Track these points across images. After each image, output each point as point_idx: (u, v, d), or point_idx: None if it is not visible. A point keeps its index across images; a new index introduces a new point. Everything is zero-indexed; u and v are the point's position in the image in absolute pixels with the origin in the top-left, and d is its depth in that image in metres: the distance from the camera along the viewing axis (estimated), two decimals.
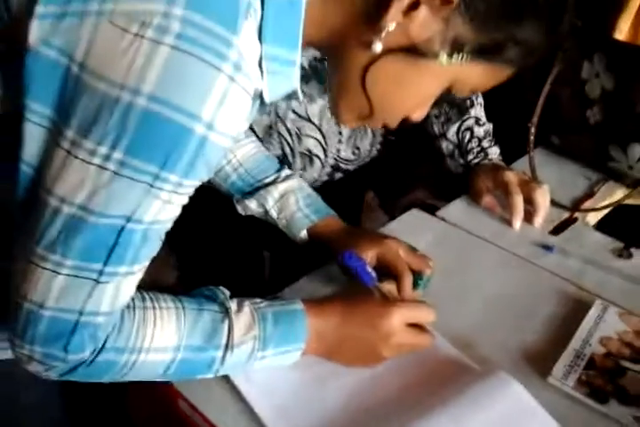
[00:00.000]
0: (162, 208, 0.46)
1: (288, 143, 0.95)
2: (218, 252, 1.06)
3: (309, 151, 0.97)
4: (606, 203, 0.99)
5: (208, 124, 0.43)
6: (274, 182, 0.82)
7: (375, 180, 1.27)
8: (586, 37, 1.00)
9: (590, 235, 0.93)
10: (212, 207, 0.89)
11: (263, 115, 0.92)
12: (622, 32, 1.18)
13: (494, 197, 0.95)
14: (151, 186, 0.44)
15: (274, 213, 0.82)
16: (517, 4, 0.49)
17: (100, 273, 0.47)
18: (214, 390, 0.63)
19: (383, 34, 0.49)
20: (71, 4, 0.40)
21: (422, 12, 0.48)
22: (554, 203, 0.97)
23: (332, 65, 0.57)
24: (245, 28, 0.43)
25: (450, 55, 0.50)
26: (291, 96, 0.54)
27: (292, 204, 0.81)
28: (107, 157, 0.43)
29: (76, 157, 0.43)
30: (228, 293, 0.61)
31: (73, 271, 0.46)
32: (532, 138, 1.01)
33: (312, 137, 0.96)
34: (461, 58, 0.51)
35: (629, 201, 1.05)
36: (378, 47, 0.50)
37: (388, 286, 0.72)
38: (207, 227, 1.01)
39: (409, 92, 0.56)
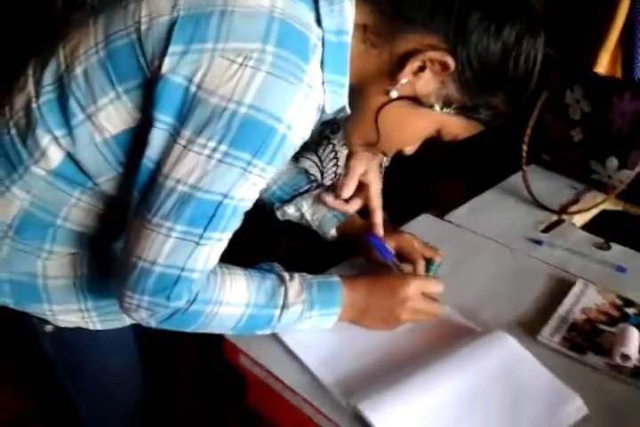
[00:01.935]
0: (249, 189, 0.64)
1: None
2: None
3: (306, 171, 1.11)
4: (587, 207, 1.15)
5: (288, 125, 0.61)
6: (308, 191, 1.00)
7: (388, 199, 1.43)
8: (567, 70, 1.19)
9: (575, 233, 1.09)
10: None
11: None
12: (602, 66, 1.37)
13: None
14: (244, 170, 0.62)
15: (308, 216, 0.99)
16: (493, 80, 0.68)
17: (200, 237, 0.64)
18: (268, 347, 0.79)
19: (398, 85, 0.68)
20: (192, 44, 0.59)
21: (427, 74, 0.67)
22: (545, 208, 1.14)
23: (353, 101, 0.73)
24: (313, 59, 0.62)
25: (441, 108, 0.70)
26: (340, 111, 0.72)
27: (323, 207, 0.98)
28: (214, 149, 0.60)
29: (190, 150, 0.60)
30: (281, 267, 0.78)
31: (181, 235, 0.63)
32: (524, 155, 1.19)
33: (309, 159, 1.13)
34: (449, 112, 0.70)
35: (611, 207, 1.22)
36: (393, 94, 0.69)
37: (407, 268, 0.89)
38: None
39: (407, 130, 0.74)
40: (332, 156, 1.13)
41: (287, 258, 1.38)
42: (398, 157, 1.37)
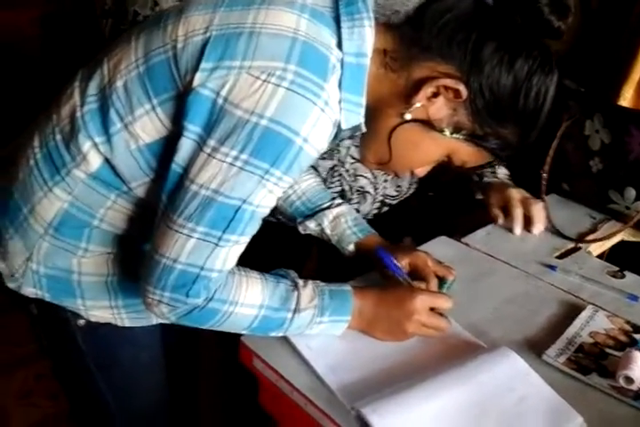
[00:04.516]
0: (266, 196, 0.68)
1: (347, 182, 1.18)
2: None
3: (363, 188, 1.20)
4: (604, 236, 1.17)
5: (304, 138, 0.66)
6: (329, 207, 1.04)
7: (416, 226, 1.47)
8: (587, 101, 1.22)
9: (590, 260, 1.11)
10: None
11: (327, 160, 1.16)
12: (626, 99, 1.40)
13: (500, 210, 1.17)
14: (262, 177, 0.67)
15: (328, 231, 1.03)
16: (503, 111, 0.72)
17: (220, 239, 0.68)
18: (280, 351, 0.82)
19: (411, 108, 0.73)
20: (221, 61, 0.65)
21: (440, 100, 0.72)
22: (562, 236, 1.16)
23: (369, 121, 0.78)
24: (332, 79, 0.67)
25: (451, 133, 0.74)
26: (356, 129, 0.76)
27: (343, 223, 1.02)
28: (235, 158, 0.66)
29: (214, 158, 0.66)
30: (296, 274, 0.82)
31: (202, 236, 0.68)
32: (544, 183, 1.22)
33: (365, 177, 1.19)
34: (458, 137, 0.74)
35: (630, 238, 1.24)
36: (407, 116, 0.74)
37: (418, 285, 0.92)
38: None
39: (418, 152, 0.79)
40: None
41: (316, 273, 1.42)
42: (438, 185, 1.41)
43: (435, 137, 0.75)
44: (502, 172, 1.23)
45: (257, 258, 1.26)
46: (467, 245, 1.13)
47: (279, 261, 1.23)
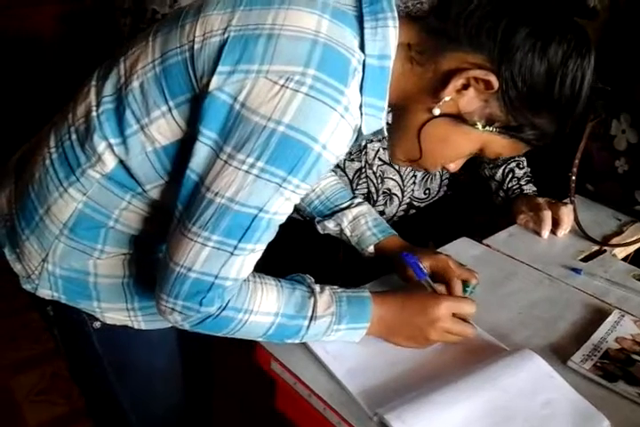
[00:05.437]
0: (283, 203, 0.66)
1: (374, 184, 1.17)
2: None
3: (389, 191, 1.18)
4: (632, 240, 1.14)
5: (323, 145, 0.64)
6: (348, 207, 1.02)
7: (439, 224, 1.45)
8: (614, 100, 1.19)
9: (616, 263, 1.08)
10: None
11: (354, 162, 1.16)
12: None
13: (529, 215, 1.16)
14: (279, 185, 0.64)
15: (348, 232, 1.01)
16: (538, 100, 0.68)
17: (235, 248, 0.66)
18: (298, 355, 0.81)
19: (441, 103, 0.70)
20: (239, 65, 0.63)
21: (470, 92, 0.69)
22: (588, 238, 1.13)
23: (397, 118, 0.77)
24: (352, 83, 0.65)
25: (484, 126, 0.71)
26: (378, 133, 0.74)
27: (363, 224, 1.00)
28: (252, 165, 0.63)
29: (230, 165, 0.64)
30: (313, 279, 0.80)
31: (216, 245, 0.66)
32: (572, 185, 1.18)
33: (392, 179, 1.18)
34: (492, 130, 0.71)
35: None
36: (436, 111, 0.71)
37: (440, 288, 0.90)
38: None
39: (449, 147, 0.76)
40: (412, 173, 1.20)
41: (345, 268, 1.40)
42: (455, 185, 1.38)
43: (466, 131, 0.72)
44: (529, 188, 1.21)
45: (285, 255, 1.25)
46: (488, 246, 1.10)
47: (307, 256, 1.22)
